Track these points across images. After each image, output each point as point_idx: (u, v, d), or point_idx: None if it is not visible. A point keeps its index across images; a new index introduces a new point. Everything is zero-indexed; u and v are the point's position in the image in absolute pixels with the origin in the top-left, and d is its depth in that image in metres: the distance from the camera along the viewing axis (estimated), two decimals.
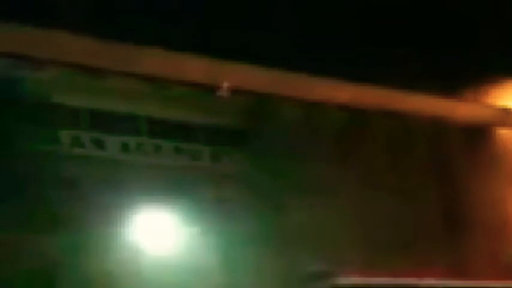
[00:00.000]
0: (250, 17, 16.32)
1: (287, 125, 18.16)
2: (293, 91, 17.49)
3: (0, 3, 13.44)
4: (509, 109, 22.28)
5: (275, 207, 17.66)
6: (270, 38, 15.49)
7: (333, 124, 18.52)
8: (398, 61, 17.50)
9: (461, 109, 20.23)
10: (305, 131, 18.40)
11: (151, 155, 16.79)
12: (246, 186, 17.64)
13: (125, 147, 16.50)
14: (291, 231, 17.81)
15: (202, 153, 17.82)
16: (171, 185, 16.83)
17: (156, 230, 16.36)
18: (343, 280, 17.25)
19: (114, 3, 14.08)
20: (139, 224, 16.11)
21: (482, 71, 18.72)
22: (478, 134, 20.84)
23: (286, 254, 17.69)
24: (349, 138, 18.39)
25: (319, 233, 17.66)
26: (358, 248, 17.72)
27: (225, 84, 16.17)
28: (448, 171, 19.74)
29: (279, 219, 17.81)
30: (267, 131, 18.04)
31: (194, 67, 16.20)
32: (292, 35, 16.01)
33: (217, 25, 14.96)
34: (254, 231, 17.39)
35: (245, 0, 15.67)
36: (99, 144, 16.20)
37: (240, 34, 15.57)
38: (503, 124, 21.87)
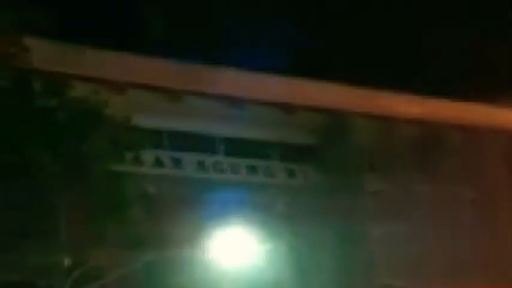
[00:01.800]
0: (323, 36, 16.56)
1: (361, 140, 18.30)
2: (367, 107, 17.64)
3: (84, 31, 14.04)
4: None
5: (350, 221, 17.77)
6: (343, 56, 15.70)
7: (407, 138, 18.56)
8: (471, 74, 17.47)
9: None
10: (379, 146, 18.47)
11: (227, 173, 17.18)
12: (320, 201, 17.81)
13: (201, 166, 16.94)
14: (367, 244, 17.89)
15: (277, 170, 18.13)
16: (247, 202, 17.14)
17: (233, 246, 16.61)
18: None
19: (190, 28, 14.52)
20: (217, 240, 16.40)
21: None
22: None
23: (363, 267, 17.76)
24: (424, 152, 18.38)
25: (396, 246, 17.69)
26: (436, 263, 17.67)
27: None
28: None
29: (355, 233, 17.91)
30: (340, 147, 18.22)
31: (269, 86, 16.57)
32: (365, 51, 16.19)
33: (295, 45, 15.23)
34: (330, 245, 17.53)
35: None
36: (178, 163, 16.67)
37: (316, 53, 15.82)
38: None
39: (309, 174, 17.84)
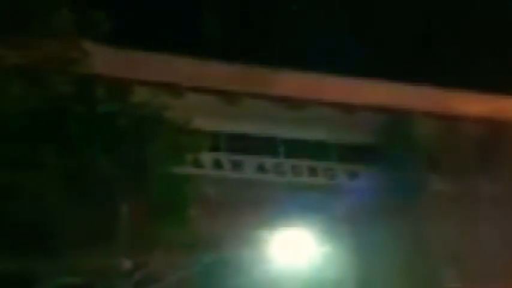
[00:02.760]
0: (384, 35, 16.33)
1: (423, 139, 18.00)
2: (429, 106, 17.33)
3: (143, 35, 14.14)
4: None
5: (412, 222, 17.51)
6: (402, 56, 15.46)
7: (471, 137, 18.15)
8: None
9: None
10: (442, 145, 18.14)
11: (287, 175, 17.10)
12: (382, 202, 17.59)
13: (261, 168, 16.91)
14: (429, 246, 17.60)
15: (338, 171, 17.97)
16: (307, 203, 17.04)
17: (293, 247, 16.54)
18: None
19: (248, 30, 14.48)
20: (276, 241, 16.35)
21: None
22: None
23: (425, 269, 17.48)
24: (489, 151, 17.95)
25: (459, 247, 17.36)
26: (501, 264, 17.27)
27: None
28: None
29: (417, 234, 17.63)
30: (402, 147, 17.96)
31: (329, 87, 16.42)
32: (428, 49, 15.93)
33: (355, 45, 15.06)
34: (391, 246, 17.30)
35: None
36: (237, 165, 16.68)
37: (376, 53, 15.61)
38: None
39: (370, 175, 17.62)
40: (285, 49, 15.05)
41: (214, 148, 16.00)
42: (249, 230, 16.10)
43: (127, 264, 13.56)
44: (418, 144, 17.64)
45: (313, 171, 17.28)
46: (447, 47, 16.74)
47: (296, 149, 17.10)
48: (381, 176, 17.67)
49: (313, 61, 14.86)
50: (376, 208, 17.40)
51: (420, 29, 16.50)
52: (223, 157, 16.34)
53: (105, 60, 13.67)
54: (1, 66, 11.11)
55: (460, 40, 16.86)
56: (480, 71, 16.78)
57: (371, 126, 17.41)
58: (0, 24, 11.20)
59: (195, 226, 14.99)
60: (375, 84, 16.94)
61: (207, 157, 15.88)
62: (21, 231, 11.43)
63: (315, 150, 17.34)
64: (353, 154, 17.67)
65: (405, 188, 17.46)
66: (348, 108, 16.77)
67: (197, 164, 15.62)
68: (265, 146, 16.85)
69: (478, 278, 17.19)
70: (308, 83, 16.12)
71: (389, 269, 16.91)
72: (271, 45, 14.94)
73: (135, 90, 13.40)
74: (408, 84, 17.11)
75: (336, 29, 15.74)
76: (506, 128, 18.06)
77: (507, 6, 17.09)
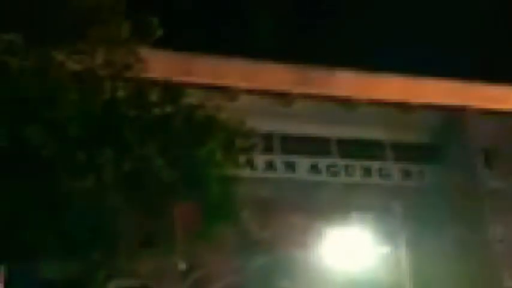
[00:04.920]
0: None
1: (479, 138, 17.65)
2: (485, 103, 17.00)
3: (197, 38, 14.14)
4: None
5: (469, 221, 17.20)
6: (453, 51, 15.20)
7: None
8: None
9: None
10: (498, 143, 17.78)
11: (342, 175, 16.95)
12: (438, 201, 17.32)
13: (314, 169, 16.79)
14: (487, 245, 17.26)
15: (392, 171, 17.75)
16: (362, 204, 16.85)
17: (348, 248, 16.37)
18: None
19: (301, 30, 14.37)
20: (330, 242, 16.20)
21: None
22: None
23: (483, 268, 17.15)
24: None
25: None
26: None
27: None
28: None
29: (474, 233, 17.32)
30: (458, 145, 17.67)
31: (384, 86, 16.21)
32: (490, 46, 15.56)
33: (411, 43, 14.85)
34: (448, 246, 17.01)
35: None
36: (291, 166, 16.58)
37: (432, 52, 15.36)
38: None
39: (425, 175, 17.38)
40: (339, 48, 14.91)
41: (268, 150, 15.96)
42: (302, 231, 16.00)
43: (182, 265, 13.59)
44: (473, 143, 17.32)
45: (367, 171, 17.10)
46: (503, 44, 16.41)
47: (350, 149, 16.94)
48: (436, 175, 17.43)
49: (368, 60, 14.70)
50: (432, 208, 17.16)
51: (476, 27, 16.20)
52: (277, 158, 16.27)
53: (159, 64, 13.73)
54: (60, 72, 11.23)
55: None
56: None
57: (426, 125, 17.18)
58: (59, 31, 11.31)
59: (249, 227, 14.95)
60: (431, 82, 16.70)
61: (260, 159, 15.83)
62: (78, 234, 11.53)
63: (369, 150, 17.16)
64: (408, 153, 17.46)
65: (460, 187, 17.18)
66: (402, 107, 16.56)
67: (251, 165, 15.57)
68: (319, 146, 16.73)
69: None
70: (362, 83, 15.95)
71: (446, 269, 16.65)
72: (326, 45, 14.82)
73: (189, 92, 13.41)
74: (463, 82, 16.82)
75: (393, 27, 15.56)
76: None
77: None
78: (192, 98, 13.68)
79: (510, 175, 17.55)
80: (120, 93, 12.36)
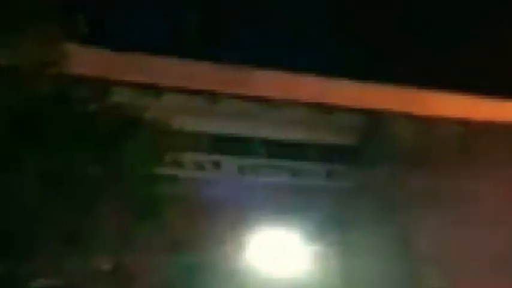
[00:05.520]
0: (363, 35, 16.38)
1: (402, 140, 18.13)
2: (407, 107, 17.47)
3: (121, 36, 14.15)
4: None
5: (393, 221, 17.61)
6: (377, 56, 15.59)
7: (448, 137, 18.32)
8: None
9: None
10: (421, 146, 18.30)
11: (268, 175, 17.15)
12: (361, 202, 17.67)
13: (241, 169, 16.94)
14: (412, 246, 17.70)
15: (317, 171, 18.03)
16: (288, 204, 17.08)
17: (274, 249, 16.58)
18: None
19: (225, 28, 14.50)
20: (257, 243, 16.38)
21: None
22: None
23: (409, 268, 17.57)
24: (467, 151, 18.14)
25: (442, 245, 17.48)
26: (480, 260, 17.40)
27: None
28: None
29: (398, 233, 17.74)
30: (381, 147, 18.09)
31: (306, 87, 16.50)
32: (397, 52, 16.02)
33: (335, 45, 15.18)
34: (374, 246, 17.38)
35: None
36: (218, 165, 16.70)
37: (354, 53, 15.71)
38: None
39: (349, 175, 17.71)
40: (264, 48, 15.11)
41: (195, 149, 16.02)
42: (228, 232, 16.13)
43: (106, 265, 13.54)
44: (397, 145, 17.76)
45: (293, 171, 17.34)
46: (427, 47, 16.86)
47: (276, 149, 17.15)
48: (360, 176, 17.78)
49: (292, 61, 14.92)
50: (357, 208, 17.49)
51: (400, 28, 16.62)
52: (204, 158, 16.36)
53: (84, 61, 13.67)
54: None
55: (440, 40, 17.01)
56: (459, 72, 16.94)
57: (349, 126, 17.53)
58: None
59: (175, 227, 14.99)
60: (350, 84, 17.06)
61: (187, 158, 15.89)
62: None
63: (295, 151, 17.40)
64: (332, 154, 17.75)
65: (383, 188, 17.60)
66: (325, 108, 16.85)
67: (177, 164, 15.64)
68: (246, 146, 16.89)
69: (463, 276, 17.31)
70: (283, 83, 16.19)
71: (374, 269, 16.98)
72: (251, 45, 15.00)
73: (115, 91, 13.39)
74: (385, 84, 17.25)
75: (315, 27, 15.83)
76: (483, 129, 18.28)
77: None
78: (118, 96, 13.68)
79: (432, 176, 18.05)
80: (43, 90, 12.29)
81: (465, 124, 18.14)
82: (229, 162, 16.72)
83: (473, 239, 17.32)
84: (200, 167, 16.43)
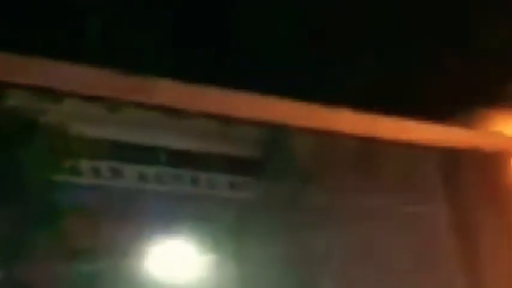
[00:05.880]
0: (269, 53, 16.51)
1: (303, 154, 18.38)
2: (309, 121, 17.67)
3: (19, 39, 13.86)
4: None
5: (293, 235, 17.81)
6: (281, 69, 15.69)
7: (349, 152, 18.68)
8: (412, 90, 17.58)
9: (472, 138, 20.25)
10: (322, 160, 18.61)
11: (170, 185, 17.10)
12: (263, 214, 17.82)
13: (142, 177, 16.81)
14: (310, 256, 17.92)
15: (220, 182, 18.07)
16: (190, 214, 17.07)
17: (175, 260, 16.53)
18: None
19: (127, 35, 14.33)
20: (158, 252, 16.29)
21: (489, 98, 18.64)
22: (491, 163, 20.83)
23: (307, 280, 17.76)
24: (366, 167, 18.51)
25: (339, 261, 17.75)
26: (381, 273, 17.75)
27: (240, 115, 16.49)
28: (460, 200, 19.72)
29: (297, 245, 17.95)
30: (282, 160, 18.29)
31: (208, 98, 16.50)
32: (303, 66, 16.16)
33: (231, 57, 15.20)
34: (273, 258, 17.54)
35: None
36: (118, 174, 16.54)
37: (255, 65, 15.77)
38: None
39: (251, 187, 17.84)
40: (167, 57, 15.03)
41: (94, 156, 15.84)
42: (128, 240, 15.98)
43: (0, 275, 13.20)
44: (298, 158, 17.99)
45: (195, 182, 17.34)
46: (325, 62, 17.05)
47: (178, 158, 17.12)
48: (262, 188, 17.93)
49: (195, 72, 14.87)
50: (258, 220, 17.64)
51: (299, 42, 16.82)
52: (103, 165, 16.17)
53: None
54: None
55: (341, 57, 17.24)
56: (363, 89, 17.19)
57: (252, 138, 17.63)
58: None
59: (72, 236, 14.76)
60: (252, 97, 17.14)
61: (85, 164, 15.68)
62: None
63: (197, 161, 17.41)
64: (235, 166, 17.84)
65: (285, 201, 17.79)
66: (228, 120, 16.90)
67: (76, 171, 15.47)
68: (147, 155, 16.80)
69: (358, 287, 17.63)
70: (187, 93, 16.13)
71: (273, 281, 17.12)
72: (154, 53, 14.88)
73: (11, 94, 13.11)
74: (286, 98, 17.40)
75: (216, 39, 15.85)
76: (379, 145, 18.66)
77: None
78: (14, 100, 13.38)
79: (332, 191, 18.31)
80: None
81: (366, 141, 18.51)
82: (130, 170, 16.61)
83: (368, 252, 17.70)
84: (99, 174, 16.24)
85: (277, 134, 18.26)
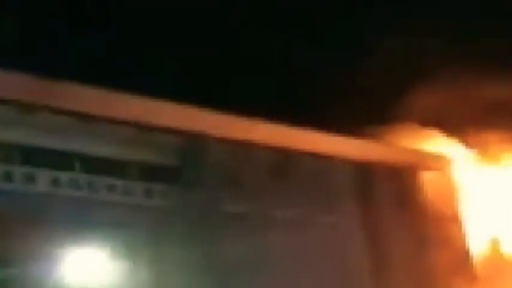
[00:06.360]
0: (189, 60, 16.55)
1: (220, 163, 18.51)
2: (225, 132, 17.86)
3: None
4: (432, 153, 23.28)
5: (207, 244, 17.88)
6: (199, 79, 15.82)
7: (264, 163, 18.97)
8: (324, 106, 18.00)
9: (384, 152, 20.90)
10: (238, 170, 18.77)
11: (84, 191, 16.83)
12: (179, 222, 17.80)
13: (56, 183, 16.51)
14: (225, 261, 18.04)
15: (135, 189, 17.96)
16: (104, 220, 16.86)
17: (88, 266, 16.31)
18: None
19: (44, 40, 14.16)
20: (70, 259, 16.05)
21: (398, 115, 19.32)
22: (401, 176, 21.47)
23: (220, 286, 17.86)
24: (281, 177, 18.82)
25: (253, 262, 17.95)
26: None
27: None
28: (370, 211, 20.31)
29: (212, 252, 18.03)
30: (199, 169, 18.34)
31: (125, 105, 16.45)
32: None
33: (149, 66, 15.23)
34: (188, 263, 17.56)
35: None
36: (31, 179, 16.19)
37: (175, 75, 15.84)
38: (426, 167, 22.73)
39: (168, 195, 17.79)
40: (84, 64, 14.90)
41: (5, 160, 15.47)
42: (40, 246, 15.69)
43: None
44: (214, 167, 18.09)
45: (110, 188, 17.13)
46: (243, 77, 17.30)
47: (93, 165, 16.87)
48: (178, 196, 17.92)
49: (111, 78, 14.79)
50: (174, 227, 17.60)
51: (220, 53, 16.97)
52: (15, 169, 15.80)
53: None
54: None
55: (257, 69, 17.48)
56: (276, 103, 17.52)
57: (168, 146, 17.64)
58: None
59: None
60: (174, 106, 17.23)
61: None
62: None
63: (113, 167, 17.22)
64: (151, 173, 17.76)
65: (201, 209, 17.84)
66: (145, 127, 16.87)
67: None
68: (61, 160, 16.50)
69: None
70: (104, 100, 16.02)
71: (189, 285, 17.11)
72: (70, 58, 14.73)
73: None
74: (203, 108, 17.55)
75: (140, 48, 15.82)
76: (294, 156, 19.07)
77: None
78: None
79: (248, 200, 18.52)
80: None
81: (281, 152, 18.88)
82: (44, 176, 16.25)
83: (281, 259, 18.00)
84: (12, 179, 15.87)
85: (194, 143, 18.25)
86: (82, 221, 16.17)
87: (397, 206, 21.06)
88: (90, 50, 15.00)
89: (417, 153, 22.51)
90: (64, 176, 16.50)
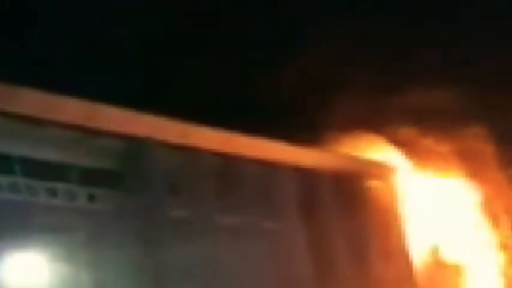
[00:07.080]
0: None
1: (163, 168, 18.42)
2: (169, 137, 17.78)
3: None
4: (375, 161, 23.60)
5: (149, 244, 17.78)
6: (146, 84, 15.69)
7: (209, 169, 18.95)
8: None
9: (328, 160, 21.11)
10: (182, 175, 18.70)
11: (24, 195, 16.53)
12: (121, 227, 17.63)
13: None
14: (166, 267, 17.96)
15: (77, 194, 17.72)
16: (44, 224, 16.59)
17: (27, 270, 16.06)
18: None
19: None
20: (9, 263, 15.78)
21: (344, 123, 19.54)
22: (345, 184, 21.70)
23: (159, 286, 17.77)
24: (226, 184, 18.82)
25: (195, 268, 17.91)
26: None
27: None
28: (316, 218, 20.48)
29: (153, 257, 17.93)
30: (142, 174, 18.22)
31: (67, 108, 16.22)
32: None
33: (93, 70, 15.03)
34: (129, 268, 17.42)
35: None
36: None
37: (119, 80, 15.67)
38: (369, 175, 23.04)
39: (109, 199, 17.60)
40: (25, 66, 14.64)
41: None
42: None
43: None
44: (158, 172, 17.98)
45: (51, 192, 16.87)
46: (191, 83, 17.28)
47: (33, 168, 16.58)
48: (121, 200, 17.75)
49: (55, 82, 14.56)
50: (116, 232, 17.42)
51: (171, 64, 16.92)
52: None
53: None
54: None
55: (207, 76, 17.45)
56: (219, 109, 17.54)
57: (111, 150, 17.46)
58: None
59: None
60: (117, 111, 17.08)
61: None
62: None
63: (54, 171, 16.95)
64: (93, 177, 17.55)
65: (144, 214, 17.72)
66: (86, 132, 16.66)
67: None
68: (1, 163, 16.17)
69: None
70: (46, 103, 15.76)
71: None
72: (11, 60, 14.45)
73: None
74: (146, 113, 17.46)
75: (85, 53, 15.64)
76: (239, 163, 19.14)
77: None
78: None
79: (191, 205, 18.46)
80: None
81: (227, 159, 18.91)
82: None
83: (223, 266, 18.01)
84: None
85: (137, 148, 18.08)
86: (21, 225, 15.88)
87: (341, 213, 21.28)
88: (31, 52, 14.75)
89: (360, 160, 22.79)
90: (4, 179, 16.19)
